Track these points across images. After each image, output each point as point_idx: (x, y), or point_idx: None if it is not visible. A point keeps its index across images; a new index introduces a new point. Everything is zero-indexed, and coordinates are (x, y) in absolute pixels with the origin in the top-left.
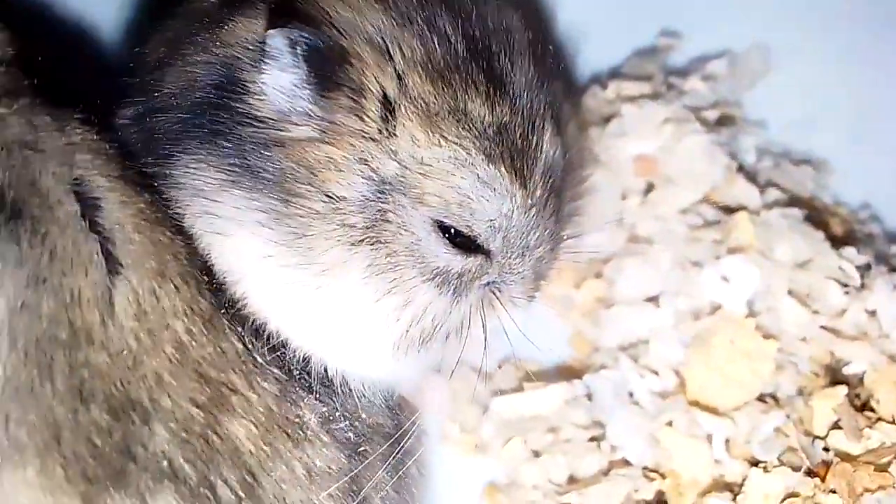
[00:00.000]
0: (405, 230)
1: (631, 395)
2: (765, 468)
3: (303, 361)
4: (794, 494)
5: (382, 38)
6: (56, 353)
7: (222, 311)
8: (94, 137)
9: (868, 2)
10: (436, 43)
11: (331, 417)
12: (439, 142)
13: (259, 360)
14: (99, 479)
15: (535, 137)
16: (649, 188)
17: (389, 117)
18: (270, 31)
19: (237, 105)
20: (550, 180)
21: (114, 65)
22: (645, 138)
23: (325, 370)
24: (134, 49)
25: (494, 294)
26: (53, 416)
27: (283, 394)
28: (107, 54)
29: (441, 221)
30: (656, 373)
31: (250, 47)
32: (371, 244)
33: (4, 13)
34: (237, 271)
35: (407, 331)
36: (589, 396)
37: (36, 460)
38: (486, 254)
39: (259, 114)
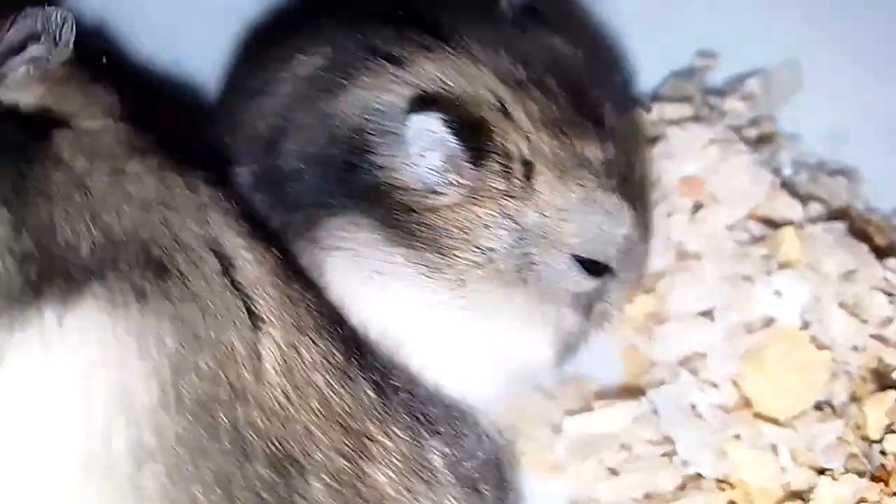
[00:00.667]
0: (549, 268)
1: (693, 408)
2: (832, 476)
3: (430, 404)
4: (863, 500)
5: (504, 105)
6: (218, 413)
7: (352, 361)
8: (221, 196)
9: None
10: (546, 100)
11: (454, 459)
12: (571, 188)
13: (390, 407)
14: None
15: (629, 162)
16: (696, 207)
17: (530, 175)
18: (414, 118)
19: (377, 175)
20: (643, 196)
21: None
22: (691, 160)
23: (457, 411)
24: (237, 110)
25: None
26: (225, 474)
27: (414, 439)
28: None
29: (579, 255)
30: (716, 386)
31: (373, 116)
32: (523, 285)
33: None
34: (396, 322)
35: (557, 355)
36: (654, 412)
37: None
38: (611, 272)
39: (404, 184)
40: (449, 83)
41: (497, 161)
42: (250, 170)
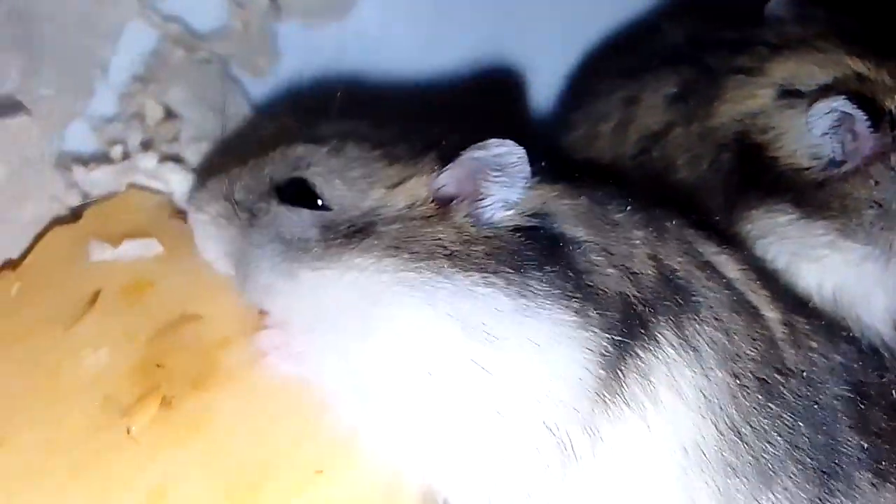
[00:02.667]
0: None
1: None
2: None
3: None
4: None
5: (865, 75)
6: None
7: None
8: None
9: None
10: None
11: None
12: None
13: None
14: None
15: None
16: None
17: None
18: (819, 105)
19: (777, 164)
20: None
21: None
22: None
23: None
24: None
25: None
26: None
27: None
28: None
29: None
30: None
31: (752, 119)
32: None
33: None
34: (830, 284)
35: None
36: None
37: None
38: None
39: (807, 165)
40: (806, 76)
41: (888, 121)
42: None
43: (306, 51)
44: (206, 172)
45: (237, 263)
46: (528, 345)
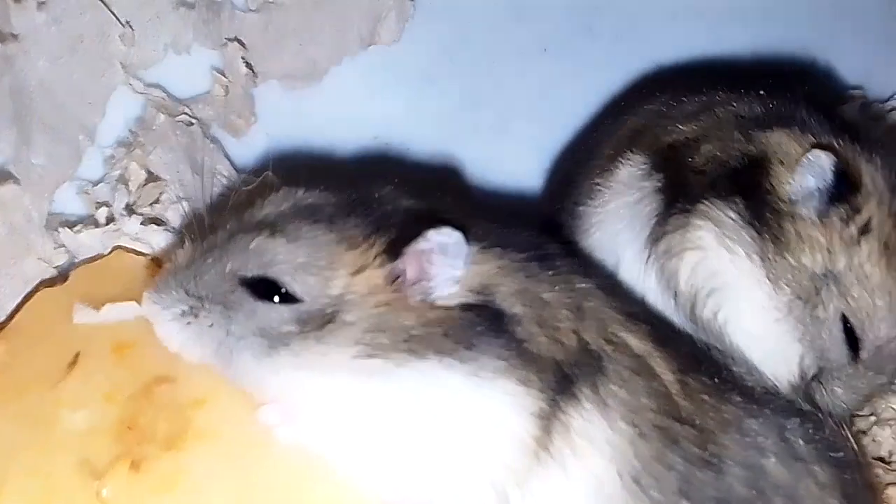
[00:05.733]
0: (823, 308)
1: None
2: None
3: None
4: None
5: (865, 177)
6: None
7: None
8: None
9: None
10: None
11: None
12: (882, 268)
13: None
14: None
15: None
16: None
17: (861, 235)
18: (816, 152)
19: (765, 180)
20: None
21: None
22: None
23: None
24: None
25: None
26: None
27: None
28: None
29: (846, 316)
30: None
31: (782, 158)
32: (804, 301)
33: None
34: (729, 281)
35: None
36: None
37: None
38: (855, 358)
39: (782, 193)
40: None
41: (848, 208)
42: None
43: (283, 114)
44: (188, 233)
45: (214, 354)
46: (480, 416)
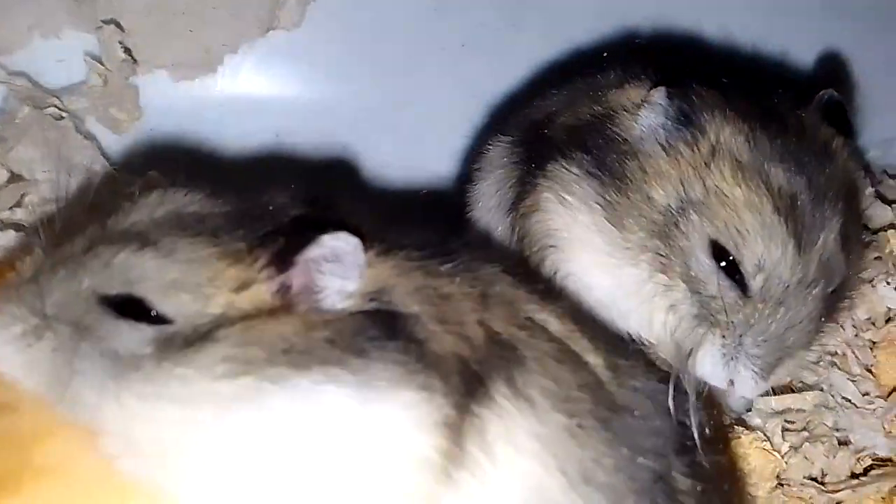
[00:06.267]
0: (687, 239)
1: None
2: None
3: None
4: None
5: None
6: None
7: None
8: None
9: None
10: (749, 114)
11: None
12: (741, 185)
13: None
14: None
15: (821, 221)
16: None
17: (711, 157)
18: (658, 88)
19: (609, 129)
20: (825, 271)
21: None
22: None
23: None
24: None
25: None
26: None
27: None
28: None
29: (717, 241)
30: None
31: (627, 107)
32: (661, 239)
33: None
34: (565, 236)
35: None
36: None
37: None
38: (743, 291)
39: (626, 136)
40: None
41: (693, 132)
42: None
43: (169, 107)
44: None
45: (53, 382)
46: (374, 438)
